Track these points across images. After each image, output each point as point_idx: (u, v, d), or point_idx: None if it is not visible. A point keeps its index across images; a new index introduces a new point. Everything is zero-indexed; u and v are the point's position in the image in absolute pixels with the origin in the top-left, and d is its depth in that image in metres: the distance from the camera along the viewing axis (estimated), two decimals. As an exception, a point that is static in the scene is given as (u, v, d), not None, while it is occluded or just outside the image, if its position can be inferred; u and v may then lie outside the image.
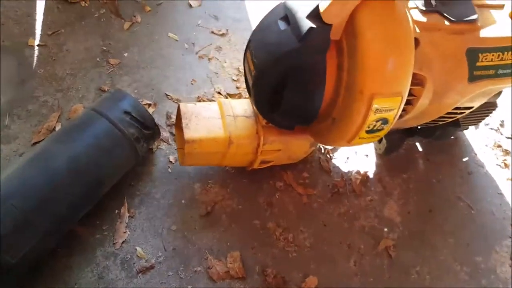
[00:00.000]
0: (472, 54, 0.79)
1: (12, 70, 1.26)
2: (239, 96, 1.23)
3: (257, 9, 1.48)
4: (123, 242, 0.97)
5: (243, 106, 0.96)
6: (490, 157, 1.15)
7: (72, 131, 0.95)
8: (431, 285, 0.92)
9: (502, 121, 1.24)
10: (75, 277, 0.91)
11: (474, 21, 0.77)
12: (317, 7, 0.65)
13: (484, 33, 0.80)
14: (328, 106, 0.74)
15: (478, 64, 0.80)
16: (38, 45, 1.31)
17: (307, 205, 1.02)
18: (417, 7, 0.75)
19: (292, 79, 0.71)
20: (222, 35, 1.40)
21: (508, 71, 0.81)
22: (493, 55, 0.81)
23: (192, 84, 1.26)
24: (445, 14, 0.74)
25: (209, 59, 1.33)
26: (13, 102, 1.19)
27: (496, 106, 0.99)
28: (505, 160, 1.16)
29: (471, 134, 1.19)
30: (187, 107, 0.93)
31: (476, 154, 1.15)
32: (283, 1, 0.74)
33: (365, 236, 0.98)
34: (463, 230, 1.01)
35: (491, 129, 1.20)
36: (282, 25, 0.71)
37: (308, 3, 0.67)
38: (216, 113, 0.94)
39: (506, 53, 0.80)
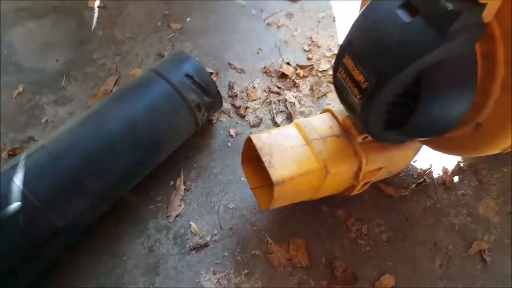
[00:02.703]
0: None
1: (70, 31, 1.27)
2: (311, 68, 1.14)
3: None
4: (177, 216, 0.93)
5: (327, 123, 0.81)
6: None
7: (130, 92, 0.92)
8: (535, 301, 0.79)
9: None
10: (124, 248, 0.89)
11: None
12: None
13: None
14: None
15: None
16: (98, 7, 1.31)
17: (386, 195, 0.92)
18: None
19: (430, 83, 0.57)
20: (294, 1, 1.32)
21: None
22: None
23: (258, 53, 1.19)
24: None
25: (278, 26, 1.25)
26: (71, 63, 1.20)
27: None
28: None
29: None
30: (261, 140, 0.77)
31: None
32: None
33: (454, 236, 0.86)
34: None
35: None
36: (404, 16, 0.57)
37: None
38: (298, 139, 0.78)
39: None
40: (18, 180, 0.74)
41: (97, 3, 1.32)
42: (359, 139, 0.76)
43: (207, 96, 0.95)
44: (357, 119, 0.70)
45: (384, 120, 0.65)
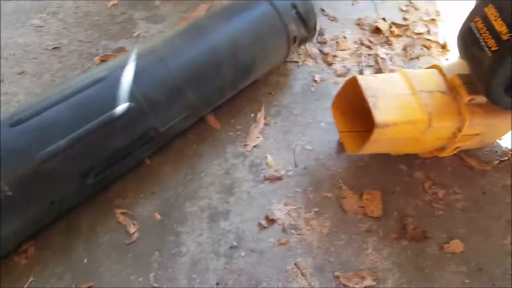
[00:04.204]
0: None
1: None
2: (406, 29, 1.06)
3: None
4: (254, 146, 0.91)
5: (434, 78, 0.75)
6: None
7: (235, 9, 0.87)
8: None
9: None
10: (203, 165, 0.88)
11: None
12: None
13: None
14: None
15: None
16: None
17: (467, 165, 0.87)
18: None
19: None
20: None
21: None
22: None
23: (353, 4, 1.11)
24: None
25: (378, -19, 1.16)
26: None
27: None
28: None
29: None
30: (367, 81, 0.72)
31: None
32: None
33: (530, 218, 0.81)
34: None
35: None
36: None
37: None
38: (405, 88, 0.73)
39: None
40: (128, 81, 0.72)
41: None
42: (466, 99, 0.71)
43: (306, 29, 0.90)
44: (481, 74, 0.64)
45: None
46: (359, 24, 1.08)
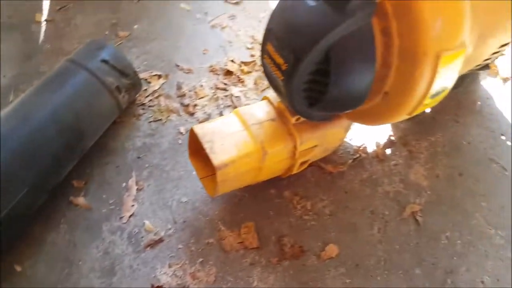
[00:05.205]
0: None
1: (17, 46, 1.21)
2: (254, 64, 1.13)
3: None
4: (130, 216, 0.88)
5: (264, 109, 0.81)
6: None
7: (50, 82, 0.89)
8: (464, 250, 0.81)
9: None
10: (79, 253, 0.83)
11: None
12: None
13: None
14: (375, 81, 0.63)
15: None
16: (45, 21, 1.25)
17: (327, 172, 0.92)
18: None
19: (337, 59, 0.58)
20: (236, 3, 1.31)
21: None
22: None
23: (204, 53, 1.17)
24: None
25: (222, 28, 1.24)
26: (19, 77, 1.13)
27: None
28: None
29: (503, 94, 1.07)
30: (203, 128, 0.77)
31: (509, 115, 1.03)
32: None
33: (389, 202, 0.87)
34: (497, 193, 0.88)
35: (524, 89, 1.08)
36: (310, 0, 0.58)
37: None
38: (238, 125, 0.78)
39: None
40: None
41: (44, 17, 1.26)
42: (293, 120, 0.76)
43: (125, 78, 0.95)
44: (284, 100, 0.70)
45: (305, 98, 0.66)
46: (212, 70, 1.13)
